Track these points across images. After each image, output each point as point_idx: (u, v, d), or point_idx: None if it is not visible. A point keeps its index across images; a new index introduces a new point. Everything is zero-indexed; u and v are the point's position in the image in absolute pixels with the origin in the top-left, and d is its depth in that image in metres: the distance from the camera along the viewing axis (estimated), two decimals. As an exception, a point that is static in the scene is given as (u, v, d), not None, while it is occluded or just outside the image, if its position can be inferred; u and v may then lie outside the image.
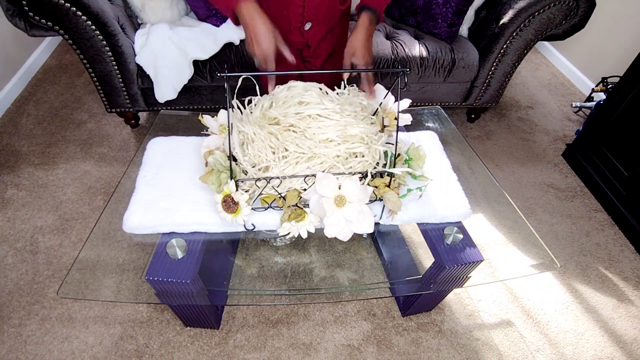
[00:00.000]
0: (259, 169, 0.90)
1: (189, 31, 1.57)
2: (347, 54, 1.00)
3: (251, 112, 0.98)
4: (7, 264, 1.37)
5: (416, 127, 1.19)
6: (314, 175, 0.88)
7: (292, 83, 0.99)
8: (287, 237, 0.91)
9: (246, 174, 0.92)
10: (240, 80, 0.90)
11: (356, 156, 0.93)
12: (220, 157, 0.91)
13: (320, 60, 1.18)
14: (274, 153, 0.92)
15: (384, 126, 0.97)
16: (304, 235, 0.89)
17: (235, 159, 0.93)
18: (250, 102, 1.01)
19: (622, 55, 2.15)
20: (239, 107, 0.99)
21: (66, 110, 1.97)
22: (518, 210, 1.23)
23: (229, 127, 0.87)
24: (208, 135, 1.02)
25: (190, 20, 1.69)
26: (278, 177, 0.89)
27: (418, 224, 1.02)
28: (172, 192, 0.97)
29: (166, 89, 1.57)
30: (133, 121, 1.86)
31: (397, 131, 0.88)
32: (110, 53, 1.49)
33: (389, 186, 0.92)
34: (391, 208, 0.91)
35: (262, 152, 0.91)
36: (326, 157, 0.91)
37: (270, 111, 0.94)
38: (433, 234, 1.00)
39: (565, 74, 2.56)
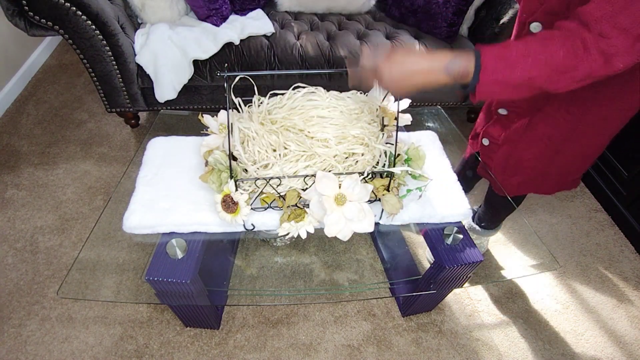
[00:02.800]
0: (259, 167, 0.91)
1: (189, 31, 1.57)
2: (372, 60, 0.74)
3: (250, 111, 0.99)
4: (7, 264, 1.37)
5: (416, 127, 1.18)
6: (313, 176, 0.88)
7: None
8: (287, 237, 0.91)
9: (246, 172, 0.92)
10: (236, 78, 0.90)
11: (353, 155, 0.93)
12: (221, 157, 0.91)
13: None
14: (274, 150, 0.92)
15: (384, 126, 0.97)
16: (303, 236, 0.89)
17: (235, 158, 0.93)
18: (251, 102, 1.01)
19: (622, 55, 2.15)
20: (240, 106, 0.99)
21: (66, 110, 1.97)
22: (518, 210, 1.23)
23: (228, 126, 0.87)
24: (208, 135, 1.02)
25: (190, 19, 1.69)
26: (278, 177, 0.89)
27: (418, 224, 1.02)
28: (172, 192, 0.97)
29: (166, 89, 1.57)
30: (133, 121, 1.86)
31: (396, 131, 0.88)
32: (110, 53, 1.49)
33: (388, 189, 0.92)
34: (389, 211, 0.91)
35: (262, 149, 0.92)
36: (325, 155, 0.91)
37: (275, 113, 0.94)
38: (433, 234, 1.00)
39: (566, 73, 2.56)
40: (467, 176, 1.30)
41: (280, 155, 0.91)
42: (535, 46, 0.65)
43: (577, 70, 0.64)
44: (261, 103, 1.01)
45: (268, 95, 1.02)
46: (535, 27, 0.82)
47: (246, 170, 0.92)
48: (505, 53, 0.66)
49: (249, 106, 1.00)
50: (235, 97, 0.98)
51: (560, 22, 0.65)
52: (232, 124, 0.94)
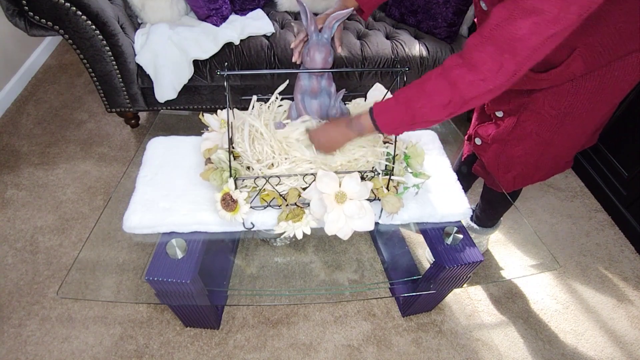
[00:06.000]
0: (264, 166, 0.91)
1: (189, 31, 1.57)
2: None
3: (260, 109, 0.99)
4: (7, 264, 1.37)
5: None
6: (313, 174, 0.88)
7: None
8: (283, 235, 0.91)
9: (249, 170, 0.92)
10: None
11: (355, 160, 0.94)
12: (224, 156, 0.91)
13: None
14: (280, 154, 0.93)
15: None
16: (299, 236, 0.89)
17: (235, 157, 0.93)
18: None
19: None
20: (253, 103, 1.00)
21: (66, 110, 1.97)
22: (518, 210, 1.23)
23: (228, 126, 0.87)
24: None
25: (190, 19, 1.69)
26: (277, 176, 0.89)
27: (418, 223, 1.02)
28: (172, 191, 0.97)
29: (166, 89, 1.57)
30: (133, 121, 1.86)
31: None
32: (110, 53, 1.49)
33: (387, 188, 0.92)
34: (389, 210, 0.91)
35: (269, 149, 0.92)
36: (329, 166, 0.92)
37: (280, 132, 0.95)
38: (433, 233, 1.00)
39: (565, 74, 2.56)
40: (464, 175, 1.31)
41: (285, 159, 0.92)
42: (414, 92, 0.75)
43: (453, 101, 0.72)
44: (269, 105, 1.01)
45: (275, 93, 1.02)
46: None
47: (248, 167, 0.93)
48: (388, 105, 0.79)
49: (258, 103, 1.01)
50: (237, 97, 0.99)
51: (445, 61, 0.74)
52: (242, 121, 0.95)
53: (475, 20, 0.93)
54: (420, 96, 0.75)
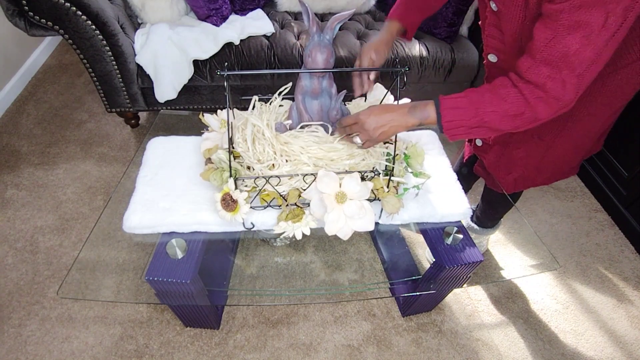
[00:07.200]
0: (266, 166, 0.91)
1: (189, 31, 1.57)
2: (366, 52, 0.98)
3: (261, 109, 0.99)
4: (7, 264, 1.37)
5: (416, 127, 1.19)
6: (313, 175, 0.88)
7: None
8: (282, 236, 0.91)
9: (249, 170, 0.92)
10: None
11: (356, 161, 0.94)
12: (225, 156, 0.91)
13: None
14: (281, 156, 0.93)
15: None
16: (299, 237, 0.89)
17: (235, 157, 0.93)
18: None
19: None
20: (255, 102, 1.00)
21: (66, 110, 1.97)
22: (518, 210, 1.23)
23: (228, 126, 0.87)
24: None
25: (190, 19, 1.69)
26: (277, 176, 0.89)
27: (418, 223, 1.02)
28: (172, 191, 0.97)
29: (166, 89, 1.57)
30: (133, 121, 1.86)
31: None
32: (110, 53, 1.49)
33: (387, 188, 0.92)
34: (389, 211, 0.91)
35: (271, 149, 0.92)
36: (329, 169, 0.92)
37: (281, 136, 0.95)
38: (433, 233, 1.00)
39: (566, 74, 2.56)
40: (465, 176, 1.30)
41: (286, 160, 0.92)
42: (487, 96, 0.73)
43: (525, 115, 0.71)
44: (270, 104, 1.01)
45: (276, 93, 1.02)
46: (491, 57, 0.90)
47: (249, 167, 0.93)
48: (459, 103, 0.75)
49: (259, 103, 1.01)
50: (237, 97, 0.99)
51: (510, 73, 0.72)
52: (243, 120, 0.95)
53: (480, 22, 0.92)
54: (492, 100, 0.72)
